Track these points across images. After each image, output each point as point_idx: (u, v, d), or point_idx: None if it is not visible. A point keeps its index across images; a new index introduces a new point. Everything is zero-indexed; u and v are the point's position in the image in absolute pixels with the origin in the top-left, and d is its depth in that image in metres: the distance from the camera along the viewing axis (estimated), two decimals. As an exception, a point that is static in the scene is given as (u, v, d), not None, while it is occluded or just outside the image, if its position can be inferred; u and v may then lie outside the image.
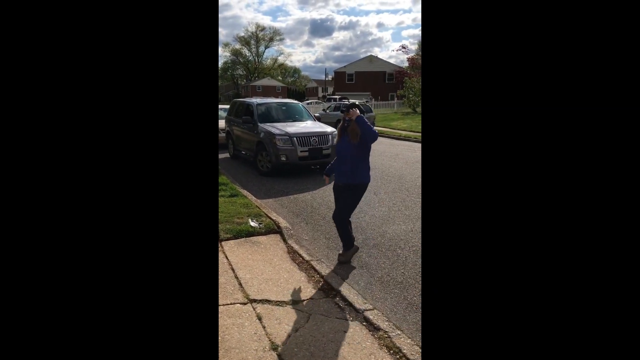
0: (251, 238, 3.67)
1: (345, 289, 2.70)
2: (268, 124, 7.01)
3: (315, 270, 3.01)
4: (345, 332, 2.22)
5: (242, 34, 61.13)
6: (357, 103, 3.08)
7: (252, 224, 3.94)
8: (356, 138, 2.94)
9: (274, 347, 2.05)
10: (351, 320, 2.35)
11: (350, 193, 3.09)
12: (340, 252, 3.27)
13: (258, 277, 2.89)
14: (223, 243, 3.52)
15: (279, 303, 2.52)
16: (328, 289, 2.74)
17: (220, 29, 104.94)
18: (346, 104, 3.22)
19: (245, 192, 5.28)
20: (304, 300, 2.58)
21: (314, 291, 2.70)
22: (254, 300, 2.53)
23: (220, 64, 62.98)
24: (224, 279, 2.83)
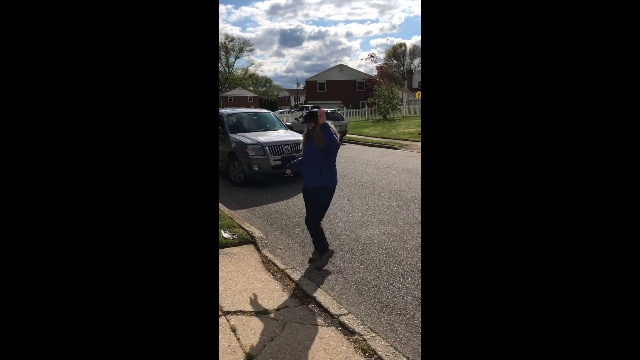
0: (224, 250, 3.61)
1: (320, 295, 2.70)
2: (239, 133, 6.96)
3: (290, 278, 3.00)
4: (321, 338, 2.22)
5: (212, 45, 60.48)
6: (317, 108, 3.13)
7: (225, 235, 3.88)
8: (322, 142, 3.00)
9: (248, 359, 2.02)
10: (326, 326, 2.35)
11: (319, 196, 3.13)
12: (311, 256, 3.30)
13: (232, 288, 2.84)
14: (195, 256, 3.44)
15: (254, 313, 2.48)
16: (303, 296, 2.73)
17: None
18: (308, 113, 3.27)
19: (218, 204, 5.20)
20: (279, 308, 2.56)
21: (289, 299, 2.69)
22: (228, 312, 2.49)
23: (189, 75, 61.87)
24: (197, 292, 2.77)
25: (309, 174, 3.13)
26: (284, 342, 2.18)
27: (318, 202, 3.16)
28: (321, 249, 3.24)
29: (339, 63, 39.46)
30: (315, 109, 3.06)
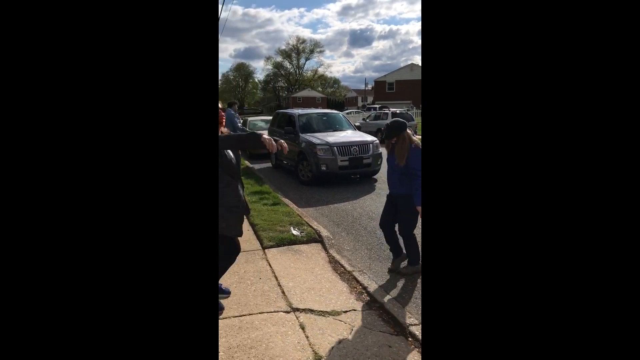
0: (293, 246, 3.70)
1: (389, 302, 2.63)
2: (309, 134, 7.10)
3: (358, 282, 2.96)
4: (390, 347, 2.15)
5: (284, 47, 62.97)
6: (400, 120, 2.94)
7: (294, 232, 3.98)
8: (402, 161, 2.88)
9: (317, 358, 2.03)
10: (395, 335, 2.27)
11: (402, 204, 3.01)
12: (390, 266, 3.24)
13: (300, 285, 2.90)
14: (266, 250, 3.59)
15: (322, 313, 2.50)
16: (371, 301, 2.68)
17: (262, 43, 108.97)
18: (390, 126, 3.05)
19: (286, 201, 5.36)
20: (347, 311, 2.54)
21: (356, 303, 2.66)
22: (297, 309, 2.54)
23: (262, 76, 65.20)
24: (268, 286, 2.87)
25: (391, 181, 3.07)
26: (351, 346, 2.15)
27: (402, 210, 3.04)
28: (413, 259, 3.12)
29: (409, 62, 38.30)
30: (398, 118, 2.95)
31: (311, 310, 2.53)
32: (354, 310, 2.56)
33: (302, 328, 2.32)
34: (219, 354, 2.06)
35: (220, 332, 2.25)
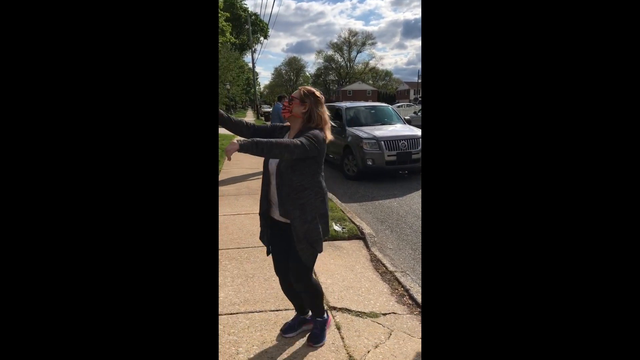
0: (334, 242, 3.63)
1: (432, 308, 2.46)
2: (356, 127, 6.96)
3: (399, 283, 2.82)
4: (431, 356, 2.01)
5: (335, 41, 62.72)
6: None
7: (336, 227, 3.91)
8: None
9: (351, 361, 1.95)
10: (438, 344, 2.11)
11: None
12: None
13: (339, 283, 2.82)
14: (306, 245, 3.56)
15: (359, 314, 2.41)
16: (413, 305, 2.53)
17: (314, 37, 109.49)
18: None
19: (330, 195, 5.31)
20: (386, 314, 2.42)
21: (397, 305, 2.53)
22: (334, 308, 2.47)
23: (313, 70, 65.61)
24: (306, 281, 2.84)
25: None
26: (388, 351, 2.04)
27: None
28: None
29: (467, 52, 36.00)
30: None
31: (348, 310, 2.45)
32: (394, 313, 2.43)
33: (338, 328, 2.24)
34: (253, 347, 2.06)
35: (256, 325, 2.25)
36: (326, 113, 1.88)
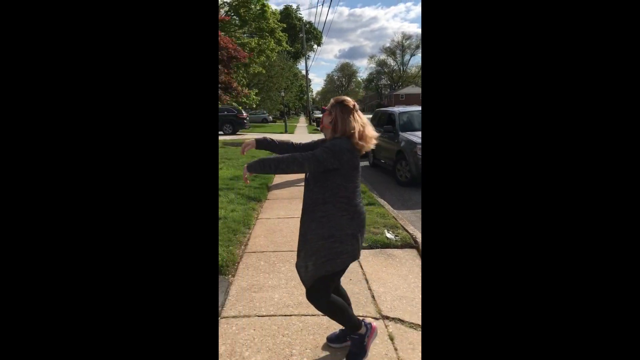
0: (386, 250, 3.57)
1: (493, 325, 2.31)
2: (409, 132, 6.80)
3: (456, 296, 2.69)
4: (492, 377, 1.88)
5: (388, 45, 62.01)
6: None
7: (388, 235, 3.84)
8: None
9: (405, 374, 1.90)
10: (500, 365, 1.98)
11: None
12: None
13: (391, 292, 2.76)
14: (358, 251, 3.53)
15: (413, 325, 2.33)
16: (471, 321, 2.39)
17: (367, 42, 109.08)
18: None
19: (382, 202, 5.22)
20: (442, 328, 2.31)
21: (453, 320, 2.41)
22: (387, 317, 2.42)
23: (365, 75, 65.40)
24: (358, 289, 2.81)
25: None
26: (445, 368, 1.94)
27: None
28: None
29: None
30: None
31: (401, 321, 2.38)
32: (451, 328, 2.32)
33: (391, 339, 2.19)
34: (306, 350, 2.09)
35: (309, 329, 2.28)
36: (358, 121, 1.73)
